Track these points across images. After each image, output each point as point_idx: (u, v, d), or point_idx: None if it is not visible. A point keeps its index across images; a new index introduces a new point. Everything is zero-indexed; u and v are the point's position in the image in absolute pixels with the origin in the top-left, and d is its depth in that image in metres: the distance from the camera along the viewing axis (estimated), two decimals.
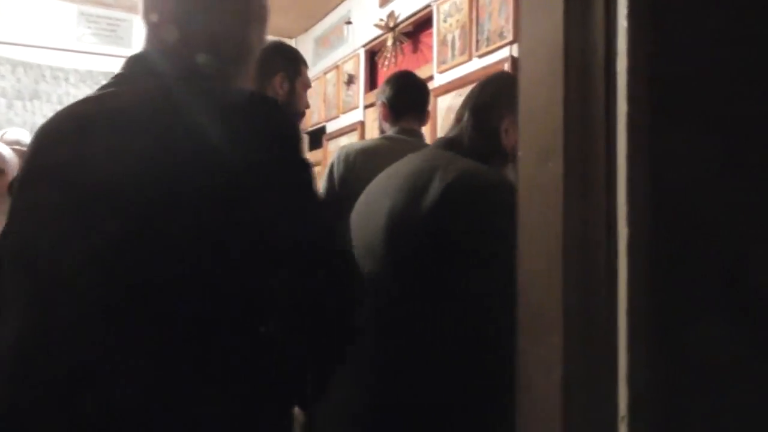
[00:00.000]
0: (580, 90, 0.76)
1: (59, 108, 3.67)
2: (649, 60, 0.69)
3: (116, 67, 3.72)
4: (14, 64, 4.23)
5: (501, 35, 2.71)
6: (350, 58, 4.19)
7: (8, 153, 2.81)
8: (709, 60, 0.68)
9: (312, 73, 4.77)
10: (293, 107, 1.85)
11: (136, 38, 4.62)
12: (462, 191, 1.15)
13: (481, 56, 2.85)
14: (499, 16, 2.74)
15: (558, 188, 0.75)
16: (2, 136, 2.71)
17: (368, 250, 1.21)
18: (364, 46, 4.01)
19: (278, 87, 1.80)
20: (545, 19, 0.78)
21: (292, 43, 5.17)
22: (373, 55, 4.01)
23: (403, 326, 1.17)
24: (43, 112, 4.30)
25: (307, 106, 1.95)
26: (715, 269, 0.63)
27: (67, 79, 4.39)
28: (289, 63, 1.86)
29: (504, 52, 2.70)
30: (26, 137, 2.92)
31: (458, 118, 1.31)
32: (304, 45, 5.00)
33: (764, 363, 0.61)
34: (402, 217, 1.18)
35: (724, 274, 0.62)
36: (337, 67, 4.35)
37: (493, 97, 1.29)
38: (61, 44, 4.37)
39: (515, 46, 2.64)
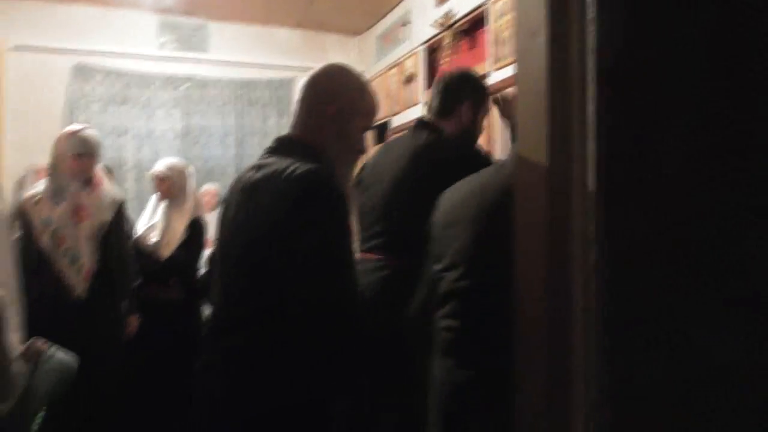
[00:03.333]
0: (561, 124, 0.90)
1: (147, 111, 4.21)
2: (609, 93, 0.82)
3: (195, 70, 4.22)
4: (106, 73, 4.66)
5: None
6: (411, 56, 4.33)
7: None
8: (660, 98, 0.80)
9: (376, 69, 4.96)
10: (472, 134, 2.01)
11: (212, 43, 4.96)
12: None
13: None
14: None
15: (545, 212, 0.90)
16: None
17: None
18: (423, 44, 4.14)
19: (463, 114, 1.98)
20: (534, 66, 0.92)
21: (355, 40, 5.36)
22: (432, 53, 4.14)
23: None
24: (132, 114, 4.71)
25: (482, 132, 2.07)
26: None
27: (152, 85, 4.77)
28: (475, 92, 2.00)
29: None
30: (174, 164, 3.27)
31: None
32: (368, 42, 5.18)
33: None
34: None
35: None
36: (398, 64, 4.50)
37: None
38: (145, 52, 4.76)
39: None
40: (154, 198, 3.05)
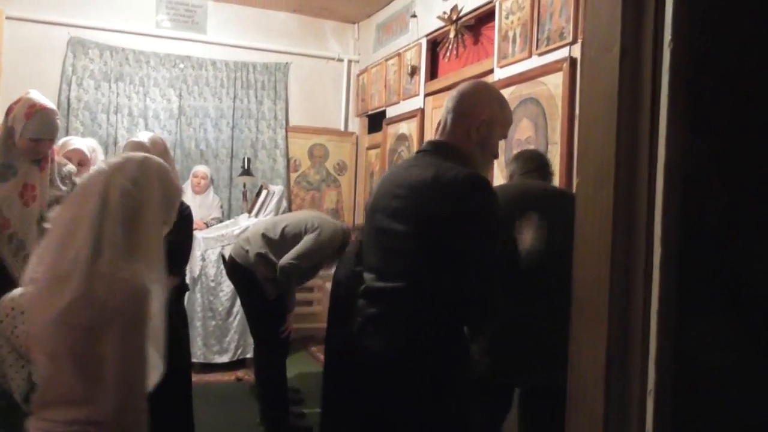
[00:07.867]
0: (629, 134, 0.95)
1: (141, 89, 4.07)
2: (685, 113, 0.88)
3: (192, 51, 4.20)
4: (102, 48, 4.58)
5: (561, 35, 2.85)
6: (412, 47, 4.36)
7: (88, 148, 3.09)
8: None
9: (373, 58, 4.98)
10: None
11: (210, 24, 4.91)
12: None
13: (541, 54, 2.99)
14: (560, 16, 2.87)
15: (609, 213, 0.96)
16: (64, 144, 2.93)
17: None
18: (426, 36, 4.17)
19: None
20: (604, 78, 0.97)
21: (354, 28, 5.37)
22: (434, 45, 4.18)
23: None
24: (126, 92, 4.65)
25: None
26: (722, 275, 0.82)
27: (147, 62, 4.71)
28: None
29: (563, 52, 2.84)
30: (89, 147, 3.11)
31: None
32: (367, 31, 5.19)
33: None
34: None
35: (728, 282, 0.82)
36: (399, 54, 4.53)
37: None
38: (142, 30, 4.70)
39: (575, 47, 2.77)
40: None
